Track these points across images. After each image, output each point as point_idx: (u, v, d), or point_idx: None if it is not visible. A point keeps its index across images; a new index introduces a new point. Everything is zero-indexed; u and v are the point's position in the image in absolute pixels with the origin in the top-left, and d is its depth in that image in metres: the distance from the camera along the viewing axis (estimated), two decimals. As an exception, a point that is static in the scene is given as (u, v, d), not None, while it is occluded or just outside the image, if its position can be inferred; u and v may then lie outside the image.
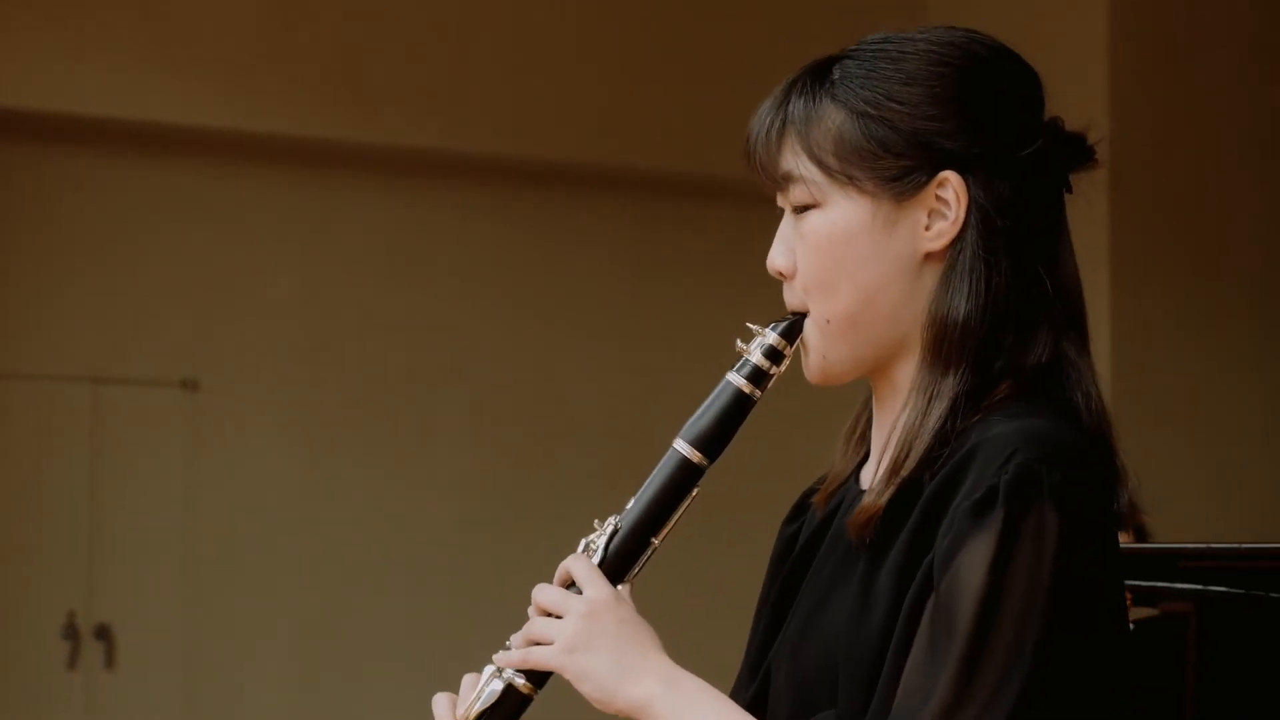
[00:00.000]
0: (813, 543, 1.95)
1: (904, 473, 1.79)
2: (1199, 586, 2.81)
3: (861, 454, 1.96)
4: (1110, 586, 1.75)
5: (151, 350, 6.89)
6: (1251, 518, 6.83)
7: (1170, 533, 5.99)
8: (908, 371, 1.86)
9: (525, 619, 1.92)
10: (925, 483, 1.77)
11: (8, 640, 6.70)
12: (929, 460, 1.78)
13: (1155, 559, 2.90)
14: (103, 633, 6.78)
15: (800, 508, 2.05)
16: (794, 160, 1.86)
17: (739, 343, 1.92)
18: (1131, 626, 3.00)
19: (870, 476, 1.90)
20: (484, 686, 1.90)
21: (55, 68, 6.46)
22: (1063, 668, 1.68)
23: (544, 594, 1.89)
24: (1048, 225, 1.87)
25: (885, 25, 1.96)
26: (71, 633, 6.74)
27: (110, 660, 6.79)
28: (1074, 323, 1.86)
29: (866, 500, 1.82)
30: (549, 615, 1.88)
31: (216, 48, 6.67)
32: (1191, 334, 7.07)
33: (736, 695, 1.96)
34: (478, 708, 1.90)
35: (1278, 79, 7.17)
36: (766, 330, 1.91)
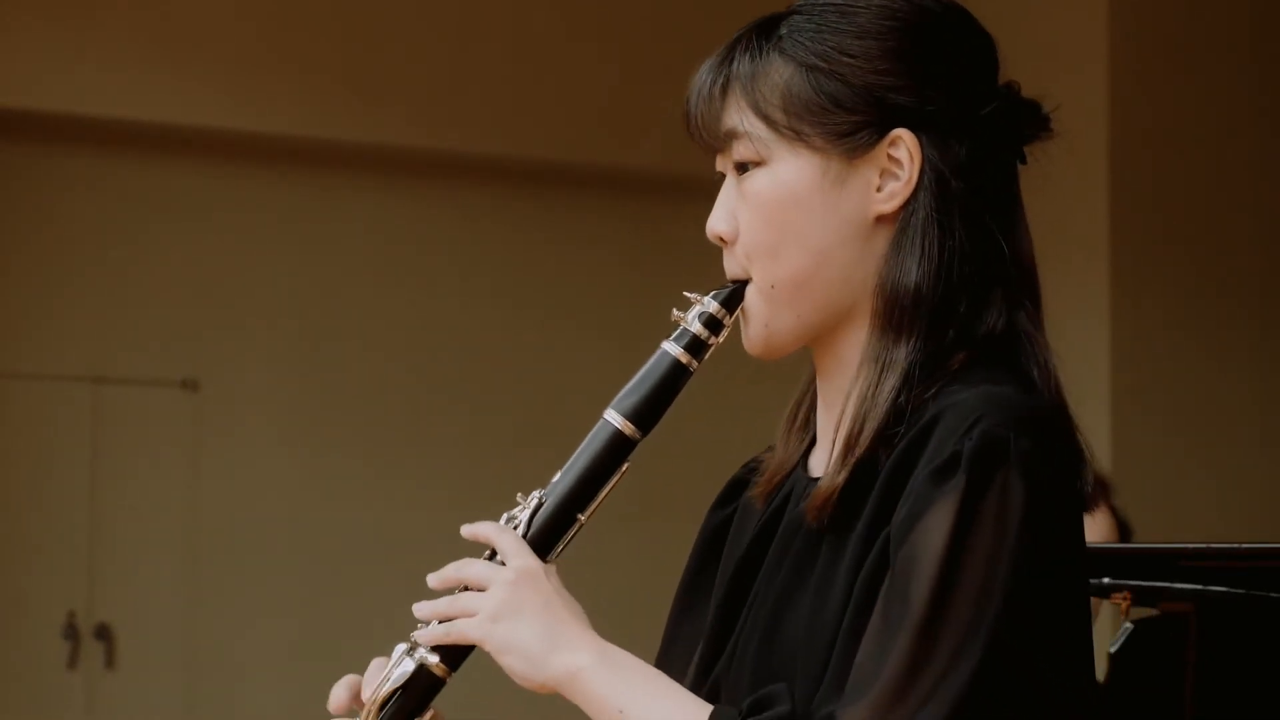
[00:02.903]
0: (761, 539, 1.84)
1: (859, 450, 1.70)
2: (1199, 586, 2.81)
3: (806, 442, 1.87)
4: (1073, 561, 1.67)
5: (151, 350, 6.89)
6: (1251, 518, 6.83)
7: (1170, 533, 5.99)
8: (855, 341, 1.77)
9: None
10: (882, 460, 1.69)
11: (8, 640, 6.70)
12: (885, 437, 1.70)
13: (1155, 559, 2.90)
14: (103, 633, 6.78)
15: (731, 492, 1.95)
16: (738, 116, 1.79)
17: (675, 311, 1.85)
18: (1131, 626, 3.01)
19: (822, 463, 1.81)
20: (393, 667, 1.80)
21: (55, 68, 6.46)
22: (1022, 642, 1.61)
23: (467, 568, 1.80)
24: (1003, 193, 1.79)
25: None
26: (71, 633, 6.74)
27: (110, 660, 6.79)
28: (1029, 295, 1.78)
29: (822, 483, 1.73)
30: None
31: (216, 47, 6.67)
32: (1191, 334, 7.07)
33: None
34: (386, 689, 1.79)
35: (1278, 78, 7.17)
36: (705, 298, 1.84)
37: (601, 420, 1.82)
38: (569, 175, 7.35)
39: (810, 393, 1.88)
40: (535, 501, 1.81)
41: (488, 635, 1.75)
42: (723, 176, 1.84)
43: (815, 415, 1.86)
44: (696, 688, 1.81)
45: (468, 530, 1.83)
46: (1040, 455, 1.64)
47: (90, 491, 6.80)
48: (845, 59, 1.75)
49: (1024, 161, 1.83)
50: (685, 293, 1.85)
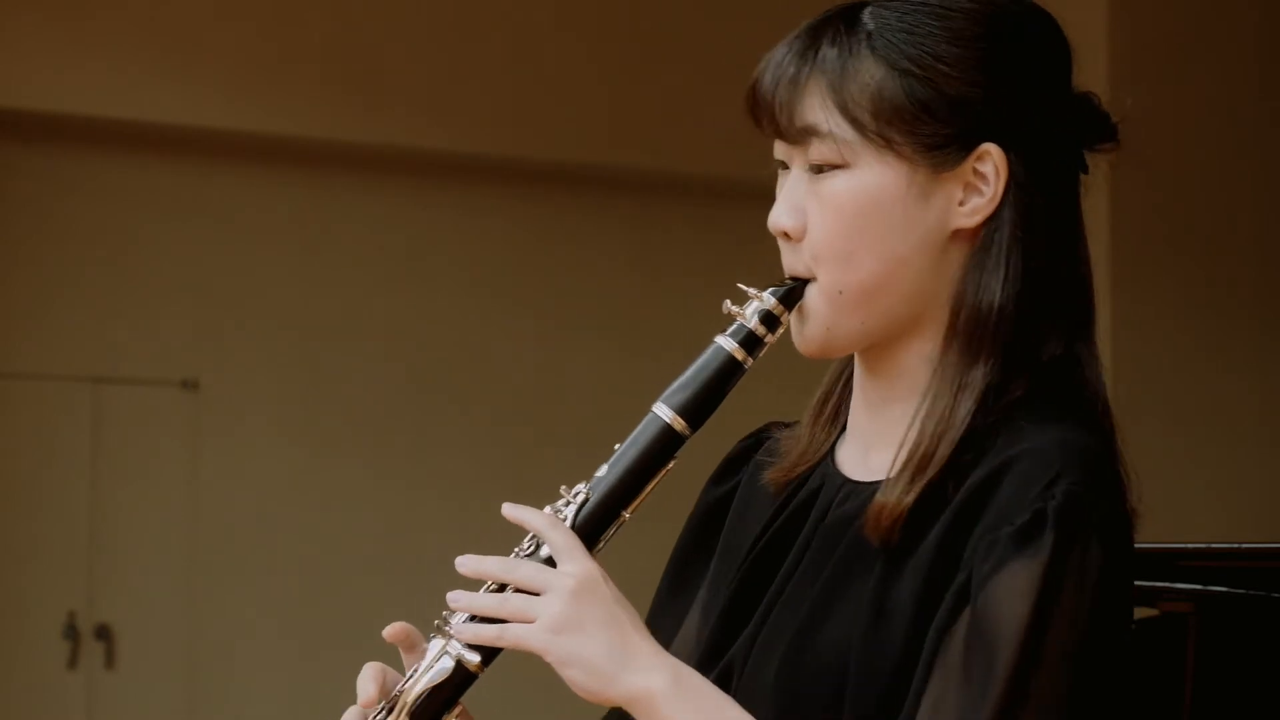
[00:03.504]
0: (787, 529, 1.80)
1: (930, 473, 1.67)
2: (1199, 586, 2.80)
3: (834, 435, 1.83)
4: (1131, 606, 1.69)
5: (151, 350, 6.89)
6: (1251, 518, 6.83)
7: (1170, 533, 5.99)
8: (916, 352, 1.73)
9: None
10: (950, 489, 1.67)
11: (8, 640, 6.70)
12: (953, 463, 1.67)
13: (1155, 559, 2.89)
14: (103, 633, 6.78)
15: (729, 469, 1.92)
16: (823, 114, 1.70)
17: (728, 304, 1.76)
18: (1132, 626, 3.01)
19: (855, 461, 1.79)
20: (433, 662, 1.73)
21: (55, 68, 6.46)
22: (1094, 699, 1.62)
23: (518, 569, 1.70)
24: (1071, 207, 1.76)
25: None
26: (71, 633, 6.74)
27: (110, 660, 6.79)
28: (1085, 313, 1.76)
29: (888, 499, 1.68)
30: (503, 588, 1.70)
31: (217, 48, 6.67)
32: (1191, 334, 7.07)
33: None
34: (425, 682, 1.73)
35: (1277, 78, 7.17)
36: (764, 294, 1.75)
37: (650, 414, 1.77)
38: (569, 175, 7.35)
39: (840, 386, 1.84)
40: (581, 496, 1.76)
41: (549, 646, 1.67)
42: (781, 164, 1.77)
43: (845, 407, 1.83)
44: (705, 667, 1.79)
45: (511, 512, 1.77)
46: (1115, 515, 1.65)
47: (90, 491, 6.80)
48: (940, 66, 1.69)
49: (1085, 170, 1.81)
50: (740, 285, 1.77)
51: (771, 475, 1.84)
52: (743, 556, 1.83)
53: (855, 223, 1.71)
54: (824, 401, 1.85)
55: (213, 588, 6.90)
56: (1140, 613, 3.01)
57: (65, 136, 6.72)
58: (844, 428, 1.84)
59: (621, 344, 7.43)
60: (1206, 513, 6.78)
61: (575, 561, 1.70)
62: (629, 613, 1.69)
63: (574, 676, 1.66)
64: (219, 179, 6.95)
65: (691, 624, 1.88)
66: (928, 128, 1.69)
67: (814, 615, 1.72)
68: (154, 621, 6.85)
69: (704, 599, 1.88)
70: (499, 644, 1.70)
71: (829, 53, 1.71)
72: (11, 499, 6.72)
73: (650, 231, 7.54)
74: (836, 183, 1.71)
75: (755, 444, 1.92)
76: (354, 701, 1.87)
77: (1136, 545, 1.68)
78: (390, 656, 1.88)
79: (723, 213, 7.30)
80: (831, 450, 1.83)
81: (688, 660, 1.77)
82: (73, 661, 6.74)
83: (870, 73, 1.70)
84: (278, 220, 7.05)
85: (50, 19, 6.46)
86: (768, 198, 1.82)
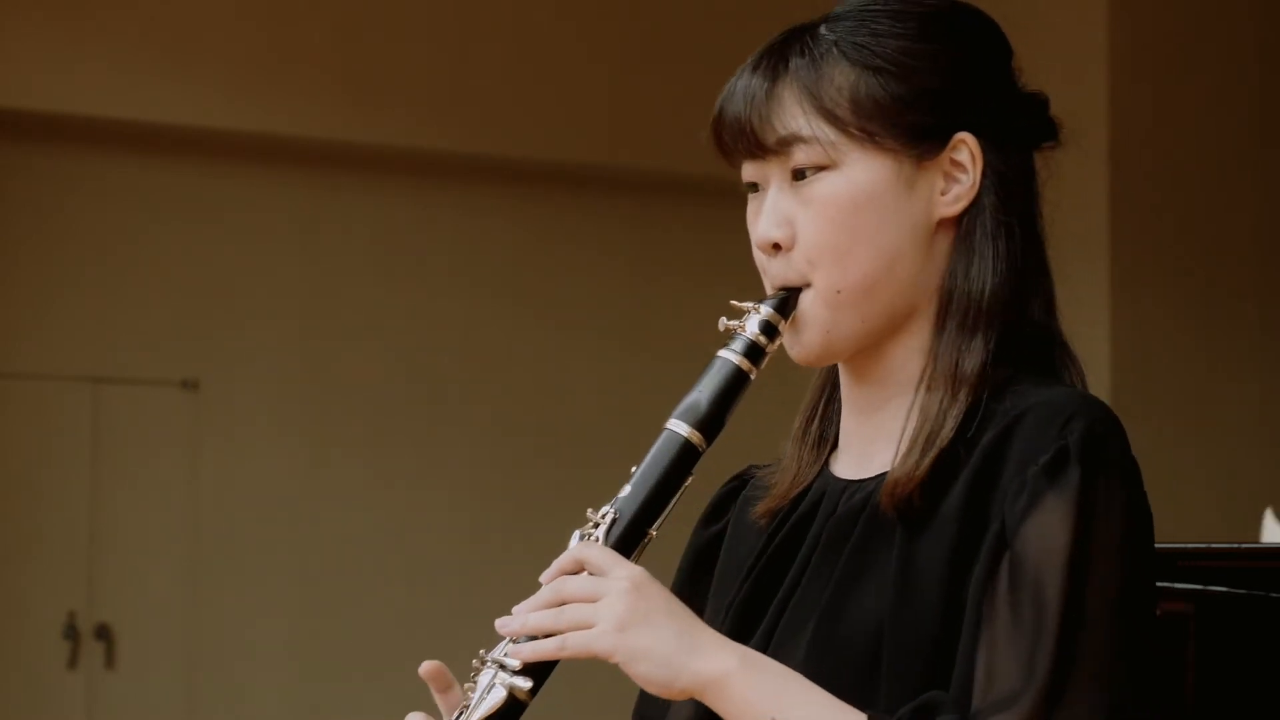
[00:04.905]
0: (788, 544, 1.83)
1: (940, 444, 1.72)
2: (1199, 586, 2.80)
3: (824, 455, 1.87)
4: (1154, 552, 1.74)
5: (151, 350, 6.89)
6: (1252, 518, 6.83)
7: (1170, 533, 5.99)
8: (905, 347, 1.79)
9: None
10: (962, 456, 1.72)
11: (8, 640, 6.70)
12: (960, 433, 1.72)
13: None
14: (103, 633, 6.78)
15: (718, 510, 1.95)
16: (802, 120, 1.76)
17: (724, 321, 1.80)
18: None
19: (852, 467, 1.82)
20: (485, 692, 1.72)
21: (55, 68, 6.46)
22: (1142, 632, 1.68)
23: (566, 584, 1.70)
24: (1033, 192, 1.83)
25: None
26: (71, 633, 6.74)
27: (110, 660, 6.79)
28: (1052, 291, 1.82)
29: (898, 472, 1.73)
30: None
31: (217, 48, 6.68)
32: (1191, 334, 7.07)
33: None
34: (480, 714, 1.71)
35: (1277, 78, 7.17)
36: (761, 305, 1.79)
37: (667, 431, 1.78)
38: (569, 176, 7.35)
39: (821, 406, 1.89)
40: (610, 518, 1.76)
41: (616, 645, 1.67)
42: (752, 186, 1.83)
43: (831, 426, 1.87)
44: None
45: (551, 574, 1.74)
46: (1129, 453, 1.71)
47: (90, 491, 6.80)
48: (910, 62, 1.77)
49: (1042, 146, 1.87)
50: (733, 302, 1.81)
51: (763, 507, 1.88)
52: (744, 574, 1.86)
53: (849, 219, 1.76)
54: (807, 424, 1.89)
55: (213, 588, 6.91)
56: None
57: (65, 136, 6.72)
58: (834, 444, 1.88)
59: (621, 343, 7.44)
60: (1206, 513, 6.78)
61: (622, 566, 1.71)
62: (685, 608, 1.71)
63: (644, 671, 1.67)
64: (219, 179, 6.96)
65: None
66: (906, 119, 1.76)
67: (838, 594, 1.75)
68: (154, 621, 6.85)
69: None
70: (561, 655, 1.70)
71: (798, 63, 1.78)
72: (11, 499, 6.72)
73: (650, 232, 7.54)
74: (825, 184, 1.77)
75: (740, 485, 1.96)
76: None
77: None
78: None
79: (723, 213, 7.26)
80: (825, 467, 1.86)
81: None
82: (73, 661, 6.74)
83: (844, 74, 1.77)
84: (278, 220, 7.05)
85: (50, 19, 6.46)
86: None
